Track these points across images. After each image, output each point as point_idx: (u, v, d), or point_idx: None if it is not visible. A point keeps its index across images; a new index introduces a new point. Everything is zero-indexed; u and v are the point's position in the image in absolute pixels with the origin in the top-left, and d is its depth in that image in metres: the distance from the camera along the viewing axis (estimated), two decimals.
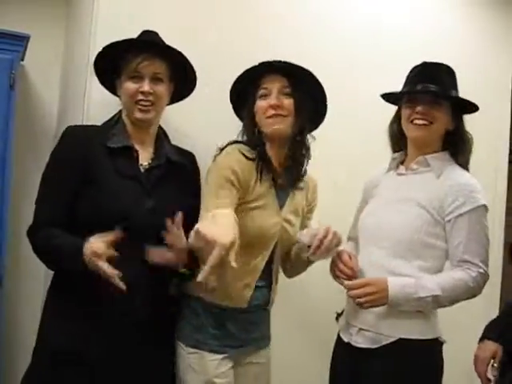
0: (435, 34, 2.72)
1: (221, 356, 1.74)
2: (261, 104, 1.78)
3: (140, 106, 1.73)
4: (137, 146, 1.76)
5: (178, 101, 1.91)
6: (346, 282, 1.67)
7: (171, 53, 1.76)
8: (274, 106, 1.75)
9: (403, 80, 1.90)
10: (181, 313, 1.81)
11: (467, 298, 1.70)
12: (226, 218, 1.45)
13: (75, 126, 1.85)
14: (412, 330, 1.69)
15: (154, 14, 2.07)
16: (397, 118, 1.87)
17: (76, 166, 1.68)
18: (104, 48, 1.75)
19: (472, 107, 1.81)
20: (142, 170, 1.75)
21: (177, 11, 2.13)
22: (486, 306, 2.57)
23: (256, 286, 1.79)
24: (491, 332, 1.89)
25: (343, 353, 1.81)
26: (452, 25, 2.80)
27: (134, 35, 1.81)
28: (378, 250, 1.76)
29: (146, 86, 1.71)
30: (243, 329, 1.81)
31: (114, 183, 1.68)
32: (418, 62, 1.88)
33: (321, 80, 1.86)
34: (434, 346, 1.71)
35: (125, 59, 1.73)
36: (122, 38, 1.75)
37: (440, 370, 1.72)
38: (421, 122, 1.75)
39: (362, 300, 1.63)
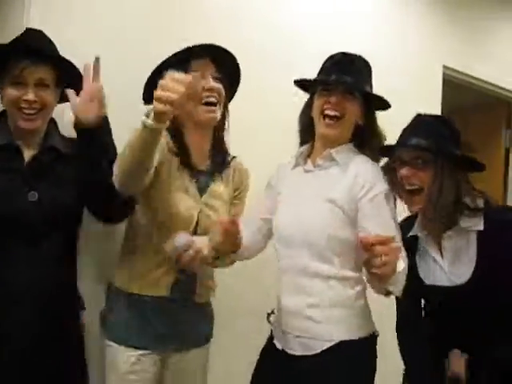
0: (368, 30, 2.79)
1: (139, 352, 1.67)
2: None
3: (24, 115, 1.61)
4: (21, 143, 1.66)
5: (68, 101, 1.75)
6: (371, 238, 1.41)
7: (57, 58, 1.66)
8: (211, 89, 1.72)
9: None
10: (106, 304, 1.77)
11: None
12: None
13: None
14: (351, 330, 1.66)
15: (85, 10, 1.97)
16: (308, 107, 1.80)
17: None
18: None
19: (384, 105, 1.77)
20: (25, 163, 1.64)
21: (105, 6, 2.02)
22: None
23: (180, 275, 1.73)
24: None
25: (276, 359, 1.75)
26: (384, 21, 2.88)
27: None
28: (298, 254, 1.70)
29: (30, 95, 1.59)
30: (170, 323, 1.73)
31: None
32: None
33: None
34: (371, 342, 1.71)
35: (6, 63, 1.60)
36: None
37: (375, 364, 1.72)
38: (332, 112, 1.69)
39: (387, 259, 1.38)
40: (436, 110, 3.10)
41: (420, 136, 1.69)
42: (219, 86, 1.74)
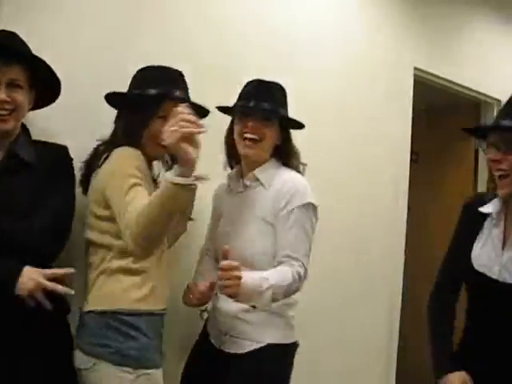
0: (339, 35, 2.81)
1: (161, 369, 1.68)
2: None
3: None
4: None
5: (42, 107, 1.75)
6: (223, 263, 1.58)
7: (30, 58, 1.62)
8: None
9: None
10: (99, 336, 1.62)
11: (293, 291, 1.76)
12: None
13: None
14: (280, 336, 1.83)
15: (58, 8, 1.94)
16: (230, 131, 1.94)
17: None
18: None
19: (299, 125, 1.93)
20: None
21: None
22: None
23: None
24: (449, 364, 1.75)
25: (209, 357, 1.88)
26: (353, 23, 2.88)
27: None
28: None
29: (1, 95, 1.56)
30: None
31: None
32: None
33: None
34: (293, 350, 1.88)
35: None
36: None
37: (291, 370, 1.88)
38: (251, 135, 1.82)
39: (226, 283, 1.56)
40: (407, 111, 3.12)
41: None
42: None
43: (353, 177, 2.81)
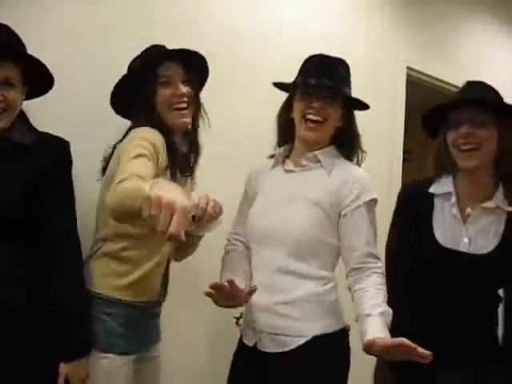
0: (333, 33, 2.83)
1: (130, 357, 1.67)
2: (165, 92, 1.73)
3: None
4: None
5: (34, 97, 1.73)
6: None
7: (22, 56, 1.60)
8: (181, 95, 1.73)
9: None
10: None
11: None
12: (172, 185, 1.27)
13: None
14: (323, 326, 1.68)
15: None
16: (287, 108, 1.81)
17: None
18: None
19: (363, 106, 1.81)
20: None
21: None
22: None
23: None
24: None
25: (247, 358, 1.75)
26: (346, 22, 2.92)
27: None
28: (273, 252, 1.70)
29: None
30: (150, 325, 1.78)
31: None
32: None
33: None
34: (343, 336, 1.73)
35: None
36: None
37: (348, 358, 1.73)
38: (315, 117, 1.70)
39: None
40: (400, 110, 3.14)
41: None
42: (189, 90, 1.74)
43: None
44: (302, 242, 1.67)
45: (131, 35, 2.07)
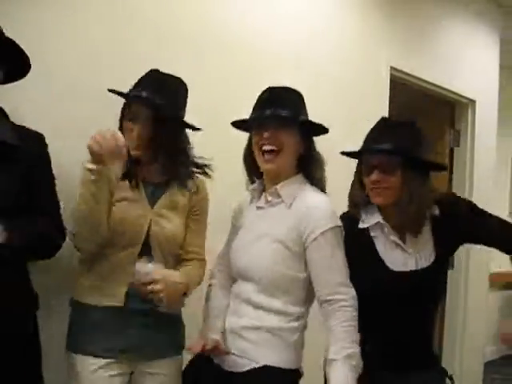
0: (320, 28, 2.80)
1: (101, 361, 1.69)
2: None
3: None
4: None
5: (12, 81, 1.69)
6: None
7: None
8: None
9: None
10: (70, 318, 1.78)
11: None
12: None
13: None
14: (277, 359, 1.71)
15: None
16: (249, 146, 1.83)
17: None
18: None
19: (323, 129, 1.81)
20: None
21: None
22: None
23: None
24: None
25: (211, 373, 1.79)
26: (329, 22, 2.87)
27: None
28: (246, 286, 1.76)
29: None
30: (137, 332, 1.74)
31: None
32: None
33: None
34: (294, 377, 1.75)
35: None
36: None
37: None
38: (269, 147, 1.71)
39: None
40: (384, 110, 3.16)
41: (386, 141, 1.76)
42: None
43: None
44: (267, 278, 1.70)
45: None
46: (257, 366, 1.69)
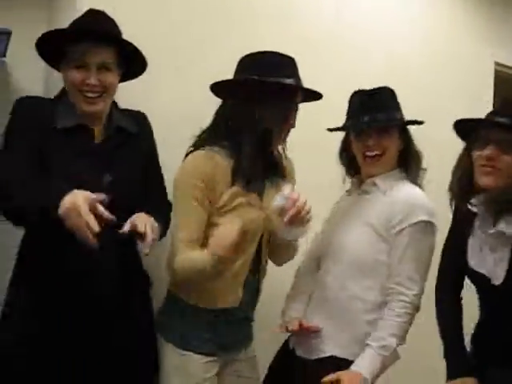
0: (417, 31, 2.82)
1: (210, 359, 1.73)
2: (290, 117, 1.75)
3: (88, 99, 1.61)
4: (88, 122, 1.66)
5: (129, 79, 1.79)
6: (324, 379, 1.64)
7: (120, 41, 1.65)
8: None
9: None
10: (166, 310, 1.79)
11: (406, 328, 1.72)
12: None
13: (28, 97, 1.71)
14: (347, 350, 1.74)
15: (135, 10, 2.04)
16: (346, 145, 1.88)
17: (34, 135, 1.59)
18: (46, 33, 1.62)
19: (417, 123, 1.83)
20: (96, 145, 1.66)
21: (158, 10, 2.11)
22: None
23: (244, 283, 1.76)
24: (461, 367, 1.76)
25: (285, 358, 1.89)
26: (433, 20, 2.89)
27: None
28: (331, 269, 1.80)
29: (92, 79, 1.59)
30: (234, 330, 1.79)
31: (69, 164, 1.59)
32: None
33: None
34: None
35: (70, 45, 1.60)
36: None
37: None
38: (373, 153, 1.76)
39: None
40: (488, 107, 3.09)
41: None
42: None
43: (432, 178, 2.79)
44: (351, 258, 1.75)
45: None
46: (325, 355, 1.75)
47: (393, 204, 1.73)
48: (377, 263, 1.73)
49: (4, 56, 2.17)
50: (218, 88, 1.72)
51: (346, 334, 1.75)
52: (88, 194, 1.39)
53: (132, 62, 1.70)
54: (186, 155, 1.72)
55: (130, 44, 1.64)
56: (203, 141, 1.71)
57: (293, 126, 1.73)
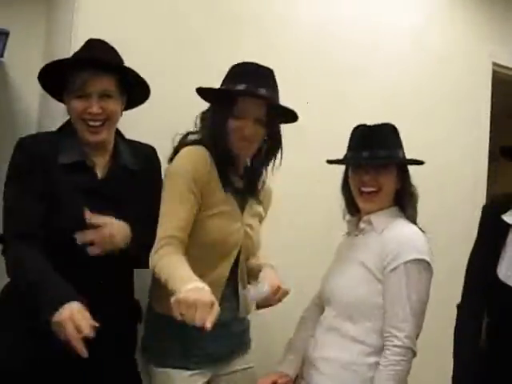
0: (418, 23, 2.80)
1: (189, 372, 1.67)
2: (236, 127, 1.68)
3: (90, 128, 1.62)
4: (92, 156, 1.66)
5: (133, 107, 1.80)
6: None
7: (121, 69, 1.65)
8: (248, 136, 1.68)
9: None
10: (147, 330, 1.77)
11: (404, 374, 1.64)
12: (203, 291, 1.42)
13: (28, 137, 1.69)
14: None
15: (135, 10, 2.05)
16: (346, 181, 1.86)
17: (37, 178, 1.58)
18: (47, 65, 1.64)
19: (416, 162, 1.81)
20: (99, 182, 1.65)
21: (156, 8, 2.11)
22: None
23: (222, 297, 1.69)
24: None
25: None
26: (429, 20, 2.86)
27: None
28: (329, 311, 1.79)
29: (94, 108, 1.59)
30: (221, 343, 1.73)
31: (70, 200, 1.59)
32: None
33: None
34: None
35: (71, 75, 1.61)
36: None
37: None
38: (369, 189, 1.75)
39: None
40: (486, 108, 3.09)
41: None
42: (257, 130, 1.72)
43: (427, 181, 2.73)
44: (350, 303, 1.72)
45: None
46: None
47: (386, 243, 1.70)
48: (374, 306, 1.68)
49: (1, 56, 2.15)
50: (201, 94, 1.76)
51: (348, 377, 1.69)
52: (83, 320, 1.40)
53: (135, 89, 1.70)
54: (175, 151, 1.70)
55: (132, 71, 1.65)
56: (193, 140, 1.71)
57: (248, 139, 1.68)
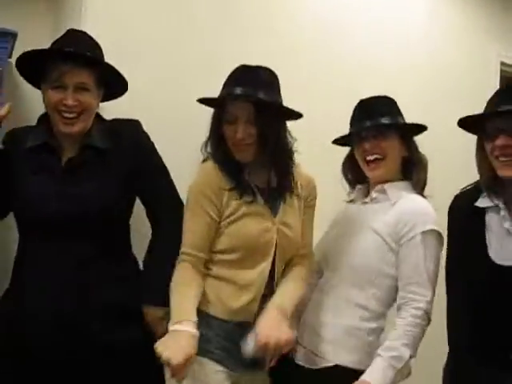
0: (420, 30, 2.81)
1: (223, 368, 1.66)
2: (228, 132, 1.70)
3: (64, 120, 1.62)
4: (61, 144, 1.68)
5: (111, 99, 1.81)
6: None
7: (98, 62, 1.66)
8: (240, 139, 1.68)
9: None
10: None
11: (419, 337, 1.67)
12: (184, 338, 1.52)
13: (14, 130, 1.78)
14: (351, 359, 1.70)
15: (142, 11, 2.07)
16: (351, 157, 1.89)
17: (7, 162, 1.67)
18: (24, 53, 1.64)
19: (420, 128, 1.83)
20: (62, 164, 1.66)
21: (163, 11, 2.13)
22: None
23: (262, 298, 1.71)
24: None
25: (286, 367, 1.79)
26: (437, 18, 2.87)
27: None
28: (334, 277, 1.79)
29: (69, 100, 1.60)
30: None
31: (29, 184, 1.63)
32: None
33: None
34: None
35: (47, 66, 1.61)
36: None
37: None
38: (373, 157, 1.78)
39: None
40: None
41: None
42: (250, 131, 1.71)
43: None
44: (359, 268, 1.74)
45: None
46: (329, 364, 1.70)
47: (402, 214, 1.73)
48: (381, 273, 1.72)
49: (10, 57, 2.14)
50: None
51: (349, 341, 1.72)
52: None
53: (113, 83, 1.71)
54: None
55: (110, 66, 1.66)
56: (208, 153, 1.75)
57: (241, 142, 1.68)
